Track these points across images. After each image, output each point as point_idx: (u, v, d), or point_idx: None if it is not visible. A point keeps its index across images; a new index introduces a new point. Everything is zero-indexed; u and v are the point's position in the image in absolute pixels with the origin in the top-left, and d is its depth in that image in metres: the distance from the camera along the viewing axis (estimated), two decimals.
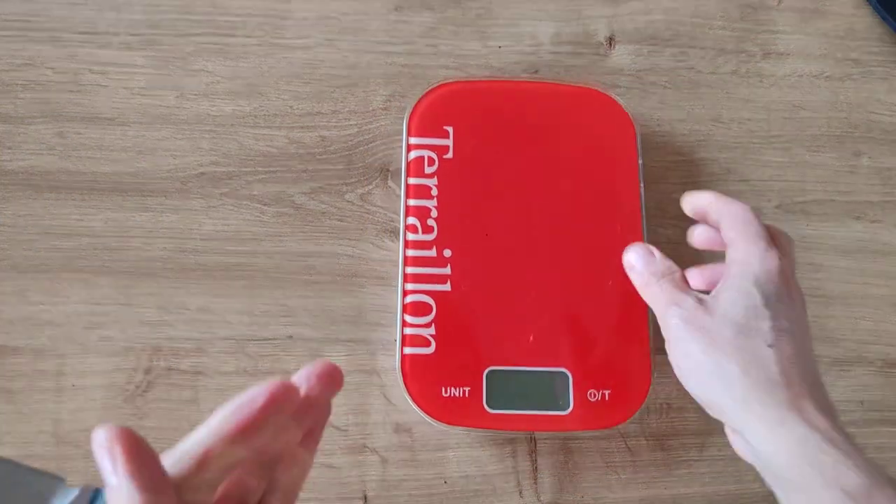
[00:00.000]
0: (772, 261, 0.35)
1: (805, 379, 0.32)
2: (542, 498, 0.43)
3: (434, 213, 0.43)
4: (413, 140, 0.44)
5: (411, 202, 0.43)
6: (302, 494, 0.42)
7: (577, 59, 0.49)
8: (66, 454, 0.41)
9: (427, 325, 0.42)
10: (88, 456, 0.41)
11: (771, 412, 0.31)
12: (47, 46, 0.46)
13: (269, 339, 0.44)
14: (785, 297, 0.34)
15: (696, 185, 0.48)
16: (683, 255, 0.47)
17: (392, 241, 0.45)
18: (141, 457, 0.24)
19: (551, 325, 0.43)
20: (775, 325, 0.33)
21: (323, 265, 0.45)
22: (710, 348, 0.33)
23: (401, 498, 0.42)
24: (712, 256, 0.47)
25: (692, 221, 0.48)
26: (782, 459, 0.30)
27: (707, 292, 0.36)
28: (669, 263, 0.38)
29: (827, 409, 0.32)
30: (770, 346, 0.32)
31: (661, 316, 0.36)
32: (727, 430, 0.35)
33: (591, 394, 0.42)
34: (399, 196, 0.45)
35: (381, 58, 0.48)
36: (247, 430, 0.25)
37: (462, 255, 0.43)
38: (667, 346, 0.36)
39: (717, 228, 0.38)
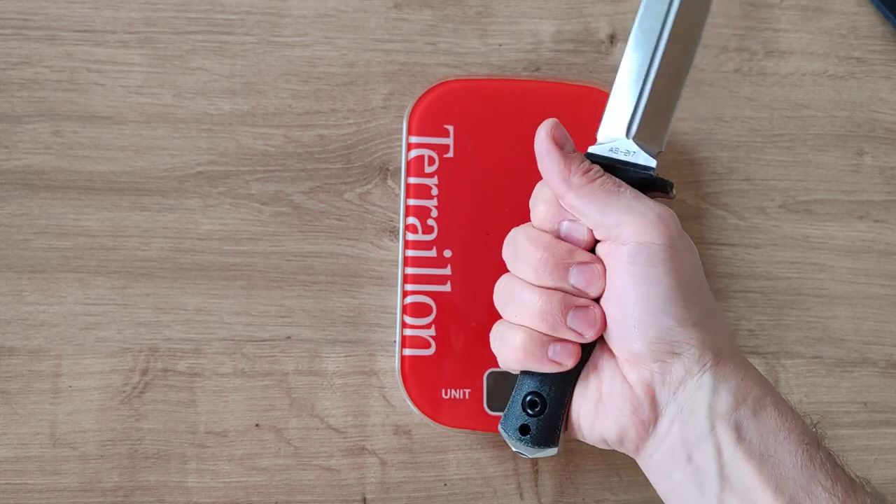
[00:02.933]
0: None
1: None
2: (542, 500, 0.43)
3: (434, 213, 0.43)
4: (413, 139, 0.44)
5: (411, 202, 0.43)
6: (300, 497, 0.42)
7: (579, 58, 0.49)
8: (62, 456, 0.41)
9: (427, 326, 0.41)
10: (85, 458, 0.41)
11: (736, 355, 0.32)
12: (44, 45, 0.46)
13: (267, 340, 0.43)
14: None
15: (699, 184, 0.48)
16: None
17: (391, 241, 0.45)
18: None
19: None
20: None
21: (321, 265, 0.44)
22: (700, 269, 0.33)
23: (400, 500, 0.42)
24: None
25: (695, 221, 0.48)
26: (755, 402, 0.30)
27: None
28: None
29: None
30: None
31: (627, 211, 0.31)
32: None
33: None
34: (399, 195, 0.44)
35: (380, 56, 0.48)
36: None
37: (463, 255, 0.43)
38: (626, 247, 0.31)
39: None
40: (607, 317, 0.31)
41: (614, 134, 0.33)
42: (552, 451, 0.32)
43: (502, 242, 0.43)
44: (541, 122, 0.45)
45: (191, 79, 0.46)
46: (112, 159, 0.45)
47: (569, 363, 0.32)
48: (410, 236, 0.43)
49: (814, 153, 0.49)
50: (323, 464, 0.42)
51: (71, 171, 0.44)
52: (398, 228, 0.44)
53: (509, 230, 0.43)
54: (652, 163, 0.32)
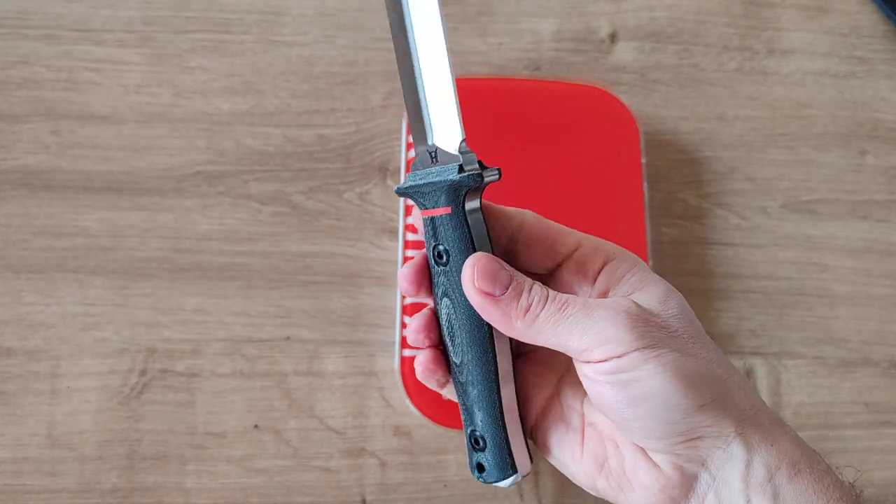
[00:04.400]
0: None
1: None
2: (543, 501, 0.43)
3: None
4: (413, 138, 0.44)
5: (410, 201, 0.43)
6: (299, 498, 0.41)
7: (579, 57, 0.49)
8: (60, 457, 0.41)
9: None
10: (83, 459, 0.41)
11: (762, 417, 0.28)
12: (42, 44, 0.45)
13: (266, 341, 0.43)
14: None
15: (700, 184, 0.48)
16: (689, 256, 0.47)
17: (391, 240, 0.45)
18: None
19: None
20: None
21: (321, 265, 0.44)
22: (689, 355, 0.27)
23: (400, 502, 0.42)
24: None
25: (697, 221, 0.47)
26: (789, 468, 0.27)
27: None
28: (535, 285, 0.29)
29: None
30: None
31: (579, 338, 0.27)
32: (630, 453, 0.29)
33: None
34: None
35: (379, 55, 0.47)
36: None
37: None
38: (596, 367, 0.27)
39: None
40: (612, 418, 0.28)
41: (420, 145, 0.30)
42: (515, 477, 0.30)
43: None
44: (540, 123, 0.45)
45: (189, 78, 0.46)
46: (110, 159, 0.44)
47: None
48: (410, 236, 0.42)
49: (816, 153, 0.49)
50: (322, 465, 0.42)
51: (69, 171, 0.44)
52: (397, 228, 0.44)
53: None
54: (457, 158, 0.29)
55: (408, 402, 0.41)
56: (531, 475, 0.43)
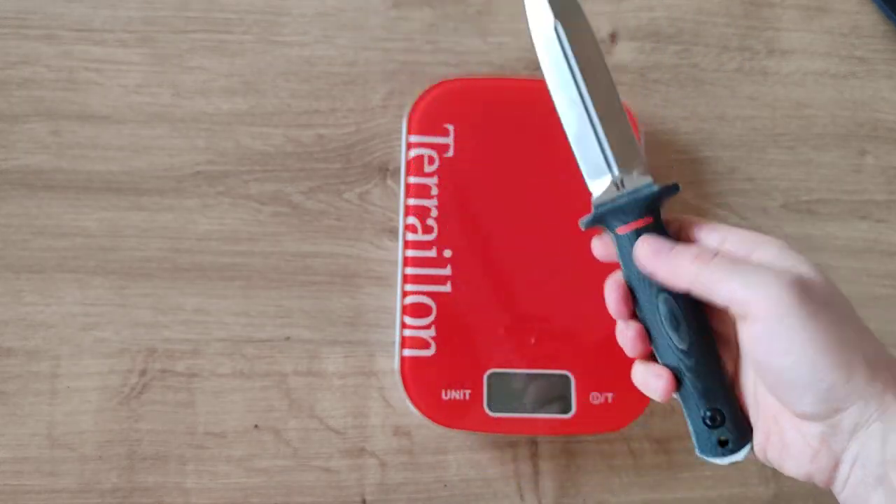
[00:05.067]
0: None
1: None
2: (543, 501, 0.43)
3: (434, 213, 0.43)
4: (413, 138, 0.44)
5: (411, 201, 0.43)
6: (299, 498, 0.41)
7: None
8: (60, 457, 0.41)
9: (427, 327, 0.41)
10: (83, 459, 0.41)
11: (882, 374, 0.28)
12: (42, 44, 0.45)
13: (266, 341, 0.43)
14: None
15: (701, 184, 0.48)
16: None
17: (391, 241, 0.45)
18: None
19: (553, 326, 0.42)
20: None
21: (321, 265, 0.44)
22: (838, 319, 0.28)
23: (400, 502, 0.42)
24: None
25: None
26: None
27: None
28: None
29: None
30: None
31: (742, 290, 0.29)
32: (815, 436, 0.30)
33: (593, 397, 0.41)
34: (398, 195, 0.44)
35: (379, 55, 0.47)
36: None
37: (462, 255, 0.42)
38: (755, 327, 0.29)
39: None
40: (768, 383, 0.30)
41: (602, 179, 0.34)
42: (750, 445, 0.33)
43: (502, 242, 0.43)
44: (540, 123, 0.44)
45: (189, 78, 0.46)
46: (110, 159, 0.44)
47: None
48: (410, 236, 0.42)
49: (816, 153, 0.49)
50: (322, 465, 0.42)
51: (69, 171, 0.44)
52: (398, 228, 0.44)
53: (509, 230, 0.43)
54: (648, 178, 0.33)
55: (408, 402, 0.41)
56: (532, 476, 0.43)
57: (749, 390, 0.32)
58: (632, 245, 0.32)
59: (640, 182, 0.33)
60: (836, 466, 0.29)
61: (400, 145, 0.45)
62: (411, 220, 0.43)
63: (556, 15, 0.34)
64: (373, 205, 0.45)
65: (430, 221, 0.43)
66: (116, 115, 0.45)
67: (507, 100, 0.45)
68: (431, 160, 0.44)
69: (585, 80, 0.34)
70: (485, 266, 0.42)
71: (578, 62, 0.34)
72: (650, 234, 0.32)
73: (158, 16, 0.46)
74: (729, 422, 0.32)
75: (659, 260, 0.31)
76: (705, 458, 0.32)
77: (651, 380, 0.33)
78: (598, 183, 0.34)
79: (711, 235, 0.32)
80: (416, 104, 0.44)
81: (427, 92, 0.44)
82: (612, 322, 0.42)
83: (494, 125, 0.44)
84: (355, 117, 0.46)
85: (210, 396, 0.42)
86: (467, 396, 0.41)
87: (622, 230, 0.32)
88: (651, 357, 0.33)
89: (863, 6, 0.52)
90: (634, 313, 0.33)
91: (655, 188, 0.33)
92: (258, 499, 0.41)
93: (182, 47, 0.46)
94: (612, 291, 0.33)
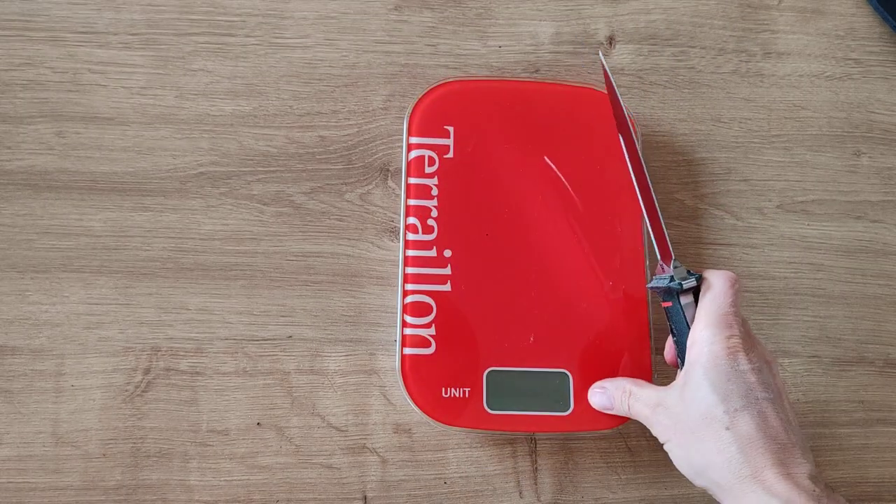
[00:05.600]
0: (722, 342, 0.36)
1: (769, 447, 0.34)
2: (542, 498, 0.43)
3: (434, 213, 0.43)
4: (413, 139, 0.44)
5: (411, 202, 0.43)
6: (301, 495, 0.42)
7: (577, 59, 0.49)
8: (64, 455, 0.41)
9: (427, 326, 0.42)
10: (87, 456, 0.41)
11: (738, 488, 0.34)
12: (46, 46, 0.46)
13: (269, 340, 0.43)
14: (735, 375, 0.35)
15: (697, 185, 0.48)
16: (685, 256, 0.47)
17: (392, 241, 0.45)
18: None
19: (551, 325, 0.42)
20: (728, 409, 0.35)
21: (322, 265, 0.45)
22: (682, 446, 0.36)
23: (400, 498, 0.42)
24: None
25: (693, 222, 0.48)
26: None
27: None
28: (619, 383, 0.40)
29: (794, 469, 0.33)
30: (727, 429, 0.34)
31: (647, 425, 0.39)
32: None
33: None
34: (399, 196, 0.45)
35: (380, 57, 0.48)
36: None
37: (462, 255, 0.43)
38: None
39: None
40: None
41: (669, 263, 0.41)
42: None
43: (502, 242, 0.43)
44: (539, 124, 0.45)
45: (193, 80, 0.46)
46: (114, 160, 0.45)
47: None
48: (411, 236, 0.43)
49: (811, 154, 0.50)
50: (324, 462, 0.42)
51: (73, 172, 0.44)
52: (398, 228, 0.44)
53: (509, 230, 0.43)
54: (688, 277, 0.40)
55: (408, 400, 0.41)
56: (531, 472, 0.43)
57: None
58: (670, 316, 0.40)
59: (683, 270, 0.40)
60: None
61: (401, 146, 0.45)
62: (412, 220, 0.43)
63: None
64: (374, 205, 0.46)
65: (431, 221, 0.43)
66: (120, 116, 0.45)
67: (506, 101, 0.45)
68: (432, 161, 0.44)
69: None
70: (484, 266, 0.43)
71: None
72: (592, 394, 0.42)
73: (162, 18, 0.47)
74: None
75: (624, 414, 0.41)
76: None
77: None
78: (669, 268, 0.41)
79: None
80: (416, 106, 0.45)
81: (427, 94, 0.45)
82: (610, 321, 0.43)
83: (494, 126, 0.45)
84: (356, 119, 0.47)
85: (213, 394, 0.42)
86: (467, 394, 0.41)
87: (666, 304, 0.40)
88: None
89: (859, 8, 0.52)
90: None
91: (688, 281, 0.39)
92: (260, 495, 0.42)
93: (185, 50, 0.47)
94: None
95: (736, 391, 0.35)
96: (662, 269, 0.41)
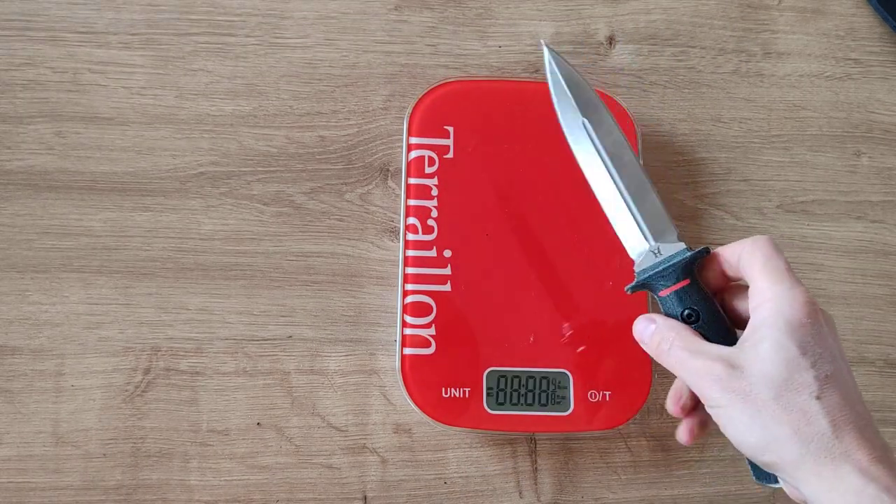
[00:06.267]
0: (800, 298, 0.32)
1: (857, 424, 0.30)
2: (542, 498, 0.43)
3: (434, 213, 0.43)
4: (413, 140, 0.44)
5: (411, 202, 0.43)
6: (301, 495, 0.42)
7: (577, 59, 0.49)
8: (65, 454, 0.41)
9: (427, 326, 0.42)
10: (87, 456, 0.41)
11: (826, 468, 0.30)
12: (46, 46, 0.46)
13: (269, 340, 0.43)
14: (820, 337, 0.31)
15: (697, 185, 0.48)
16: None
17: (392, 241, 0.45)
18: None
19: (551, 325, 0.42)
20: (818, 375, 0.30)
21: (322, 265, 0.45)
22: (754, 414, 0.31)
23: (400, 498, 0.42)
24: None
25: (693, 222, 0.48)
26: None
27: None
28: (673, 323, 0.35)
29: (881, 452, 0.30)
30: (818, 398, 0.30)
31: (690, 384, 0.34)
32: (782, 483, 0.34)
33: (591, 394, 0.42)
34: (399, 196, 0.45)
35: (380, 57, 0.48)
36: None
37: (462, 255, 0.43)
38: (708, 411, 0.33)
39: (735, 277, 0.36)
40: None
41: (641, 248, 0.37)
42: None
43: (502, 242, 0.43)
44: (540, 123, 0.45)
45: (193, 80, 0.46)
46: (114, 160, 0.45)
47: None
48: (411, 236, 0.43)
49: (811, 154, 0.50)
50: (324, 462, 0.42)
51: (73, 172, 0.44)
52: (398, 228, 0.44)
53: (509, 230, 0.43)
54: (681, 245, 0.36)
55: (408, 400, 0.41)
56: (531, 473, 0.43)
57: None
58: (674, 305, 0.35)
59: (675, 249, 0.36)
60: None
61: (401, 146, 0.45)
62: (412, 220, 0.43)
63: (583, 113, 0.38)
64: (374, 205, 0.46)
65: (431, 221, 0.43)
66: (120, 116, 0.45)
67: (506, 101, 0.45)
68: (432, 161, 0.44)
69: (615, 165, 0.37)
70: (484, 266, 0.43)
71: (607, 150, 0.38)
72: (637, 319, 0.36)
73: (162, 18, 0.47)
74: None
75: (644, 346, 0.36)
76: (763, 483, 0.35)
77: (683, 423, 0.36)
78: (639, 253, 0.37)
79: (729, 257, 0.35)
80: (416, 106, 0.45)
81: (427, 94, 0.45)
82: (610, 321, 0.43)
83: (494, 126, 0.45)
84: (356, 119, 0.47)
85: (213, 394, 0.42)
86: (467, 394, 0.41)
87: (664, 293, 0.35)
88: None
89: (859, 8, 0.52)
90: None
91: (689, 252, 0.36)
92: (261, 495, 0.42)
93: (185, 50, 0.47)
94: (675, 399, 0.37)
95: (823, 355, 0.31)
96: (656, 253, 0.37)
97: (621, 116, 0.46)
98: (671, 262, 0.35)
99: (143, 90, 0.46)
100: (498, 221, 0.43)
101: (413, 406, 0.41)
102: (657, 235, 0.37)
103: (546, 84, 0.46)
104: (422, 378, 0.41)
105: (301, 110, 0.47)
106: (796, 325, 0.31)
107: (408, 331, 0.42)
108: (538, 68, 0.49)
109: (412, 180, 0.44)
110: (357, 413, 0.43)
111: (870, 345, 0.47)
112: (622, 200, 0.37)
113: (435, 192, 0.43)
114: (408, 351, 0.42)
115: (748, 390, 0.31)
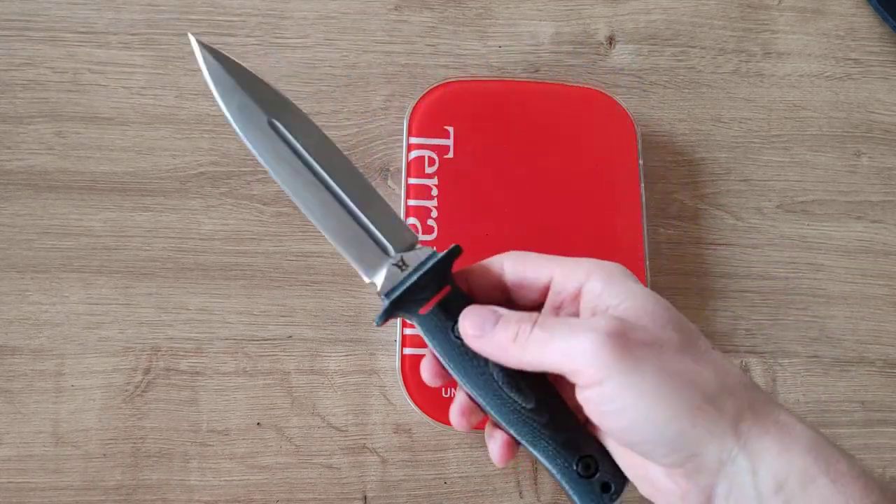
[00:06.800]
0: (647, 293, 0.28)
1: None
2: (542, 498, 0.43)
3: (434, 213, 0.43)
4: (413, 140, 0.44)
5: (411, 202, 0.43)
6: (301, 495, 0.42)
7: (577, 59, 0.49)
8: (65, 454, 0.41)
9: None
10: (87, 456, 0.41)
11: (768, 419, 0.26)
12: (46, 46, 0.46)
13: (269, 339, 0.43)
14: (674, 313, 0.28)
15: (697, 185, 0.48)
16: (685, 256, 0.47)
17: None
18: None
19: None
20: (693, 327, 0.28)
21: (322, 265, 0.45)
22: (663, 374, 0.26)
23: (400, 498, 0.42)
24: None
25: (693, 222, 0.48)
26: (801, 475, 0.26)
27: None
28: (521, 313, 0.29)
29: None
30: (713, 348, 0.27)
31: (558, 368, 0.27)
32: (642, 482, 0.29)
33: None
34: (399, 196, 0.45)
35: (380, 57, 0.48)
36: None
37: (463, 255, 0.43)
38: (583, 397, 0.27)
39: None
40: (616, 440, 0.29)
41: (381, 267, 0.31)
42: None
43: (502, 242, 0.43)
44: (538, 124, 0.45)
45: (193, 80, 0.46)
46: (114, 160, 0.45)
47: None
48: None
49: (811, 154, 0.50)
50: (324, 462, 0.42)
51: (73, 172, 0.44)
52: None
53: (509, 230, 0.43)
54: (428, 250, 0.31)
55: (408, 399, 0.41)
56: (531, 473, 0.43)
57: (606, 437, 0.30)
58: (441, 321, 0.30)
59: (423, 254, 0.31)
60: (710, 501, 0.27)
61: (401, 147, 0.45)
62: (412, 220, 0.43)
63: (268, 112, 0.30)
64: None
65: (431, 222, 0.43)
66: (120, 116, 0.45)
67: (506, 102, 0.45)
68: (432, 161, 0.44)
69: (326, 170, 0.31)
70: None
71: (311, 153, 0.31)
72: (469, 310, 0.30)
73: (162, 18, 0.47)
74: (602, 465, 0.30)
75: (483, 342, 0.29)
76: None
77: (490, 444, 0.31)
78: (379, 273, 0.31)
79: (540, 271, 0.30)
80: (416, 106, 0.45)
81: (427, 94, 0.45)
82: None
83: (494, 127, 0.45)
84: (356, 119, 0.47)
85: (213, 394, 0.42)
86: None
87: (425, 310, 0.30)
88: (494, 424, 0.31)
89: (859, 8, 0.53)
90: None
91: (441, 254, 0.30)
92: (261, 495, 0.42)
93: (185, 49, 0.47)
94: (430, 366, 0.32)
95: (690, 326, 0.28)
96: (402, 265, 0.30)
97: (621, 116, 0.46)
98: (424, 270, 0.30)
99: (143, 90, 0.46)
100: (498, 221, 0.43)
101: (413, 406, 0.41)
102: (397, 245, 0.31)
103: (546, 84, 0.47)
104: (422, 378, 0.41)
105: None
106: (651, 300, 0.28)
107: (408, 331, 0.42)
108: (538, 68, 0.49)
109: (412, 180, 0.44)
110: (357, 413, 0.43)
111: (870, 345, 0.47)
112: (344, 211, 0.31)
113: (435, 192, 0.43)
114: (408, 351, 0.41)
115: (652, 341, 0.26)
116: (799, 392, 0.46)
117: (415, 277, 0.30)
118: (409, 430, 0.43)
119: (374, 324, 0.31)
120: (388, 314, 0.30)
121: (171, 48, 0.46)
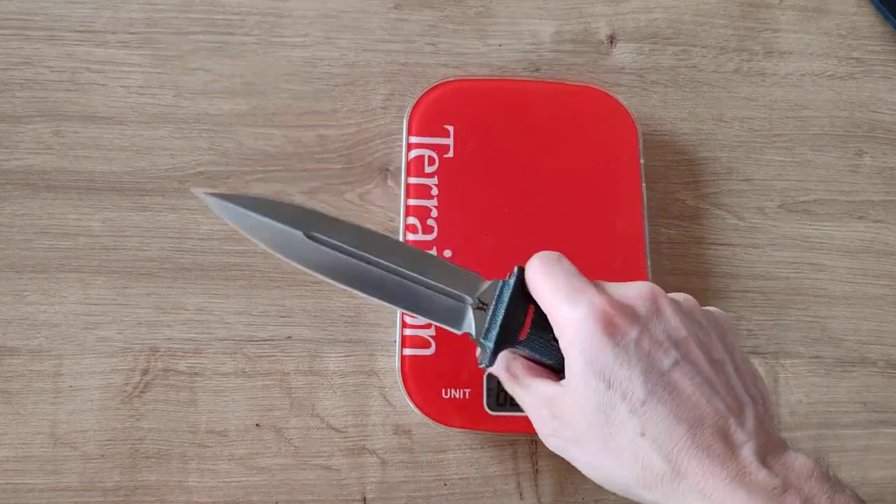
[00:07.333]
0: (586, 318, 0.28)
1: (696, 442, 0.27)
2: (542, 500, 0.43)
3: (434, 213, 0.43)
4: (413, 139, 0.44)
5: (411, 202, 0.43)
6: (300, 497, 0.42)
7: (578, 58, 0.49)
8: (63, 455, 0.41)
9: (427, 326, 0.41)
10: (86, 457, 0.41)
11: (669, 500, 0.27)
12: (44, 45, 0.46)
13: (268, 340, 0.43)
14: (623, 353, 0.28)
15: (698, 185, 0.48)
16: (687, 256, 0.47)
17: None
18: None
19: None
20: (633, 405, 0.27)
21: None
22: (593, 460, 0.29)
23: (400, 500, 0.42)
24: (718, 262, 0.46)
25: (695, 222, 0.48)
26: None
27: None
28: (504, 357, 0.32)
29: (736, 463, 0.27)
30: (642, 434, 0.27)
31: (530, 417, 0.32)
32: None
33: None
34: (399, 196, 0.44)
35: (380, 56, 0.48)
36: None
37: (462, 255, 0.43)
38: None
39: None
40: None
41: (464, 315, 0.32)
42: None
43: (502, 242, 0.43)
44: (539, 124, 0.45)
45: (191, 79, 0.46)
46: (113, 159, 0.45)
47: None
48: (410, 236, 0.43)
49: (813, 153, 0.50)
50: (323, 463, 0.42)
51: (72, 172, 0.44)
52: (398, 228, 0.44)
53: (509, 230, 0.43)
54: (493, 281, 0.33)
55: (408, 400, 0.41)
56: (531, 474, 0.43)
57: None
58: (544, 339, 0.31)
59: (494, 289, 0.32)
60: None
61: (400, 146, 0.45)
62: (411, 220, 0.43)
63: (301, 228, 0.32)
64: (373, 205, 0.46)
65: (431, 221, 0.43)
66: (119, 115, 0.45)
67: (506, 101, 0.45)
68: (432, 161, 0.44)
69: (377, 256, 0.32)
70: (484, 266, 0.43)
71: (357, 246, 0.32)
72: (505, 356, 0.33)
73: (160, 17, 0.47)
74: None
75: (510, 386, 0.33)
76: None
77: None
78: (466, 321, 0.32)
79: (543, 300, 0.31)
80: (416, 105, 0.45)
81: (427, 93, 0.45)
82: None
83: (494, 126, 0.45)
84: (356, 118, 0.47)
85: (212, 395, 0.42)
86: (467, 395, 0.41)
87: (524, 334, 0.31)
88: None
89: (861, 7, 0.52)
90: None
91: (511, 280, 0.32)
92: (260, 497, 0.41)
93: (184, 48, 0.46)
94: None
95: (632, 376, 0.27)
96: (483, 304, 0.31)
97: (622, 116, 0.45)
98: (505, 301, 0.31)
99: (141, 89, 0.46)
100: (498, 221, 0.43)
101: (413, 407, 0.41)
102: (468, 290, 0.32)
103: (547, 83, 0.46)
104: (422, 379, 0.41)
105: (300, 109, 0.46)
106: (593, 353, 0.28)
107: (407, 331, 0.41)
108: (539, 67, 0.49)
109: (412, 180, 0.43)
110: (356, 414, 0.43)
111: (871, 345, 0.47)
112: (412, 287, 0.32)
113: (435, 191, 0.43)
114: (407, 352, 0.41)
115: (577, 439, 0.29)
116: (801, 393, 0.46)
117: (501, 312, 0.31)
118: (409, 431, 0.43)
119: (481, 366, 0.32)
120: (495, 353, 0.31)
121: (170, 47, 0.46)
